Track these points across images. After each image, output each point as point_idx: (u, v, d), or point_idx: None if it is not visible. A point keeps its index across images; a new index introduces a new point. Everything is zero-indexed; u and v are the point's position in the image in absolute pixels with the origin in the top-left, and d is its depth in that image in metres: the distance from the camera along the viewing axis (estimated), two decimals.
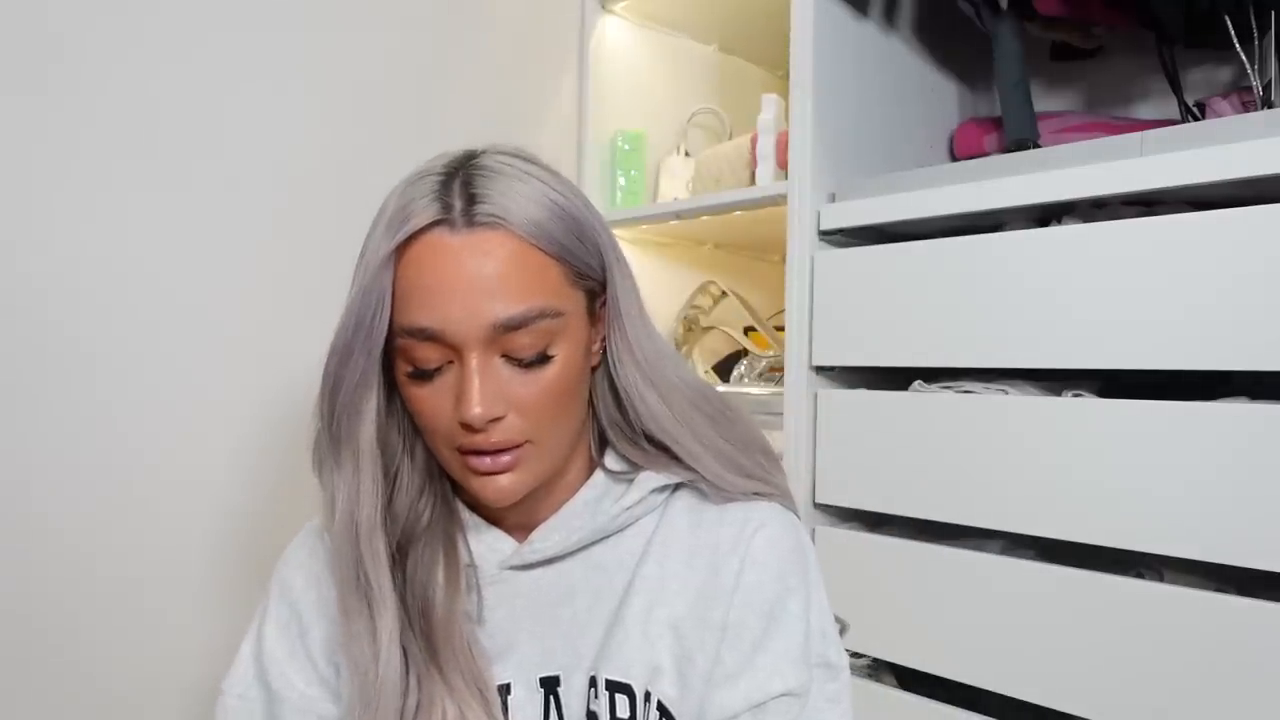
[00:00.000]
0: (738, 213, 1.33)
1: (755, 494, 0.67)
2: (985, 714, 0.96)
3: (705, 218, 1.39)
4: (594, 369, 0.67)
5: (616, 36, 1.52)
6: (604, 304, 0.65)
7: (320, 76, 1.16)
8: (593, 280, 0.63)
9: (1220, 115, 1.06)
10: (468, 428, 0.57)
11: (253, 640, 0.68)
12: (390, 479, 0.64)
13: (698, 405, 0.66)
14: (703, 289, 1.52)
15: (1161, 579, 0.89)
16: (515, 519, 0.67)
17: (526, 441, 0.59)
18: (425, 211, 0.57)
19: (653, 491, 0.66)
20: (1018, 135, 1.10)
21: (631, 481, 0.67)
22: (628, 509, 0.66)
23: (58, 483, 0.96)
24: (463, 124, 1.30)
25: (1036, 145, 1.08)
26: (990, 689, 0.96)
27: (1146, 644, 0.85)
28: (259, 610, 0.69)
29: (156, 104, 1.02)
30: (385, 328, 0.58)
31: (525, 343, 0.58)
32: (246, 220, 1.09)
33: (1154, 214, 0.88)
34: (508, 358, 0.58)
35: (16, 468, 0.94)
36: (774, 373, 1.43)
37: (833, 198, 1.16)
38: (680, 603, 0.63)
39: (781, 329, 1.18)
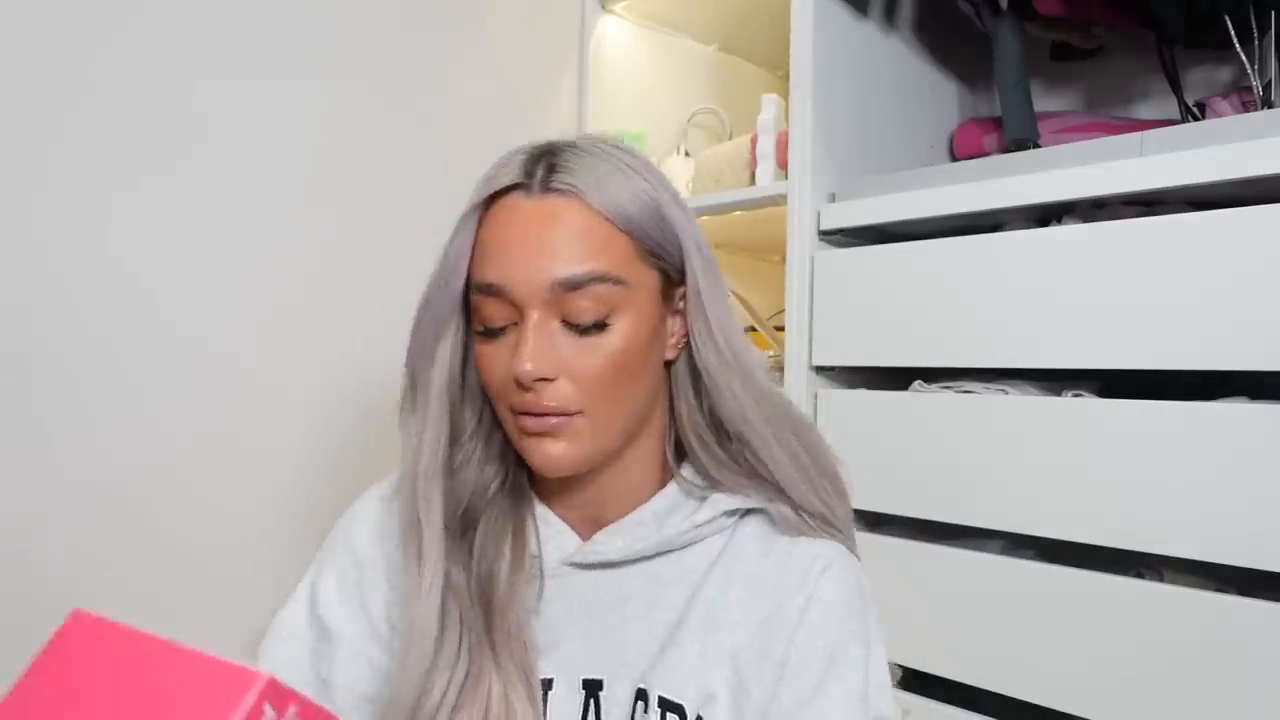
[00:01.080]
0: (738, 213, 1.33)
1: (823, 526, 0.66)
2: (985, 714, 0.96)
3: (705, 218, 1.39)
4: (671, 363, 0.66)
5: (616, 36, 1.52)
6: (684, 296, 0.65)
7: (320, 77, 1.16)
8: (667, 263, 0.63)
9: (1220, 115, 1.06)
10: (519, 385, 0.58)
11: (309, 579, 0.69)
12: (464, 434, 0.65)
13: (783, 411, 0.66)
14: None
15: (1161, 579, 0.89)
16: (582, 516, 0.67)
17: (578, 412, 0.59)
18: (508, 176, 0.60)
19: (724, 513, 0.65)
20: (1018, 135, 1.10)
21: (704, 499, 0.66)
22: (697, 526, 0.65)
23: (60, 481, 0.96)
24: (463, 124, 1.30)
25: (1036, 145, 1.08)
26: (990, 689, 0.96)
27: (1146, 644, 0.85)
28: (315, 563, 0.70)
29: (152, 101, 1.02)
30: (462, 279, 0.61)
31: (584, 306, 0.58)
32: (246, 220, 1.09)
33: (1154, 214, 0.88)
34: (567, 323, 0.59)
35: (17, 468, 0.94)
36: (774, 373, 1.43)
37: (833, 198, 1.16)
38: (741, 632, 0.62)
39: (781, 329, 1.18)
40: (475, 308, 0.61)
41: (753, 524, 0.67)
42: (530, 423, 0.59)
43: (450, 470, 0.64)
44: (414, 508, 0.62)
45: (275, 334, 1.12)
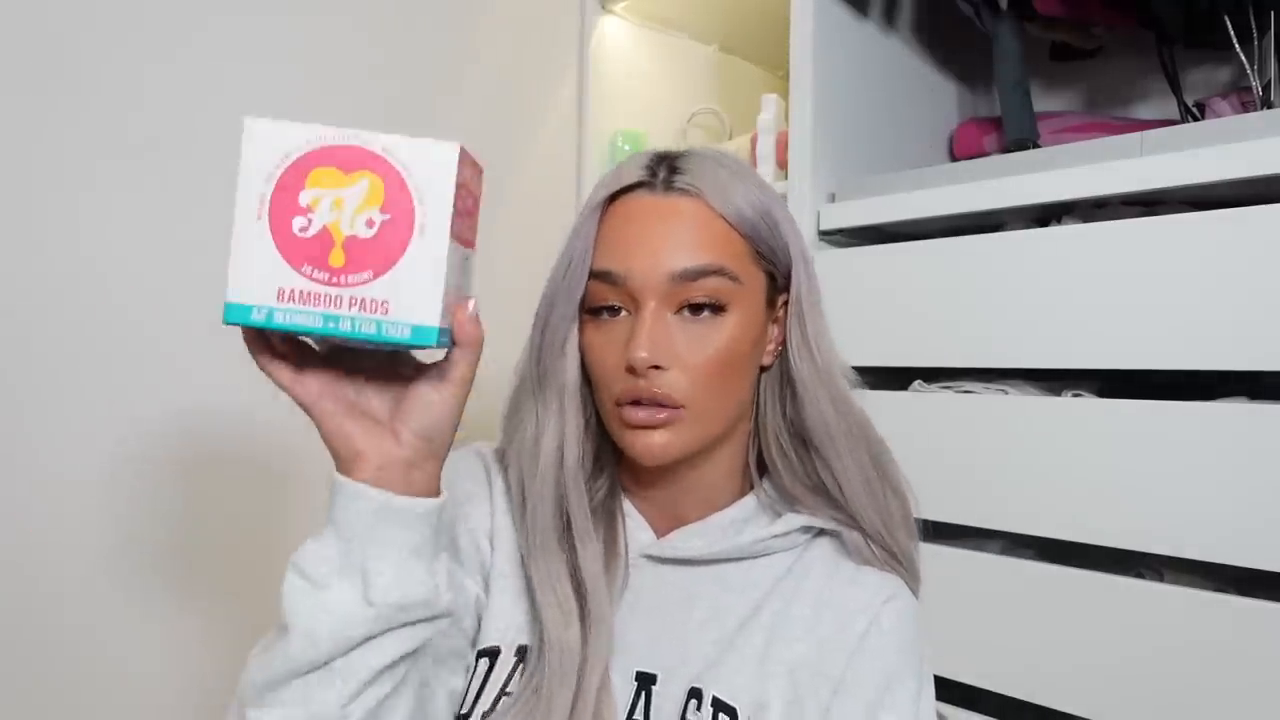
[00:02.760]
0: None
1: (888, 560, 0.68)
2: (985, 714, 0.96)
3: None
4: (765, 369, 0.68)
5: (616, 36, 1.52)
6: (785, 303, 0.67)
7: (320, 76, 1.16)
8: (775, 268, 0.65)
9: (1220, 115, 1.06)
10: (631, 371, 0.60)
11: None
12: (591, 434, 0.67)
13: (863, 428, 0.67)
14: None
15: (1161, 579, 0.89)
16: (662, 512, 0.69)
17: (683, 406, 0.61)
18: (633, 174, 0.63)
19: (798, 530, 0.67)
20: (1018, 135, 1.10)
21: (780, 515, 0.67)
22: (774, 538, 0.66)
23: (62, 481, 0.96)
24: (463, 124, 1.30)
25: (1036, 145, 1.08)
26: (990, 689, 0.96)
27: (1146, 644, 0.85)
28: None
29: (149, 102, 1.02)
30: (587, 272, 0.62)
31: (700, 296, 0.61)
32: None
33: (1154, 214, 0.88)
34: (680, 314, 0.61)
35: (19, 468, 0.94)
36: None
37: (833, 198, 1.16)
38: (801, 647, 0.63)
39: None
40: (590, 295, 0.63)
41: (823, 545, 0.68)
42: (639, 414, 0.61)
43: (589, 468, 0.66)
44: (558, 502, 0.63)
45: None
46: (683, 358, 0.61)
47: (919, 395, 1.05)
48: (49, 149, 0.95)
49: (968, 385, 1.02)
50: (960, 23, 1.19)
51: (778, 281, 0.66)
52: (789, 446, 0.67)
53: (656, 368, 0.60)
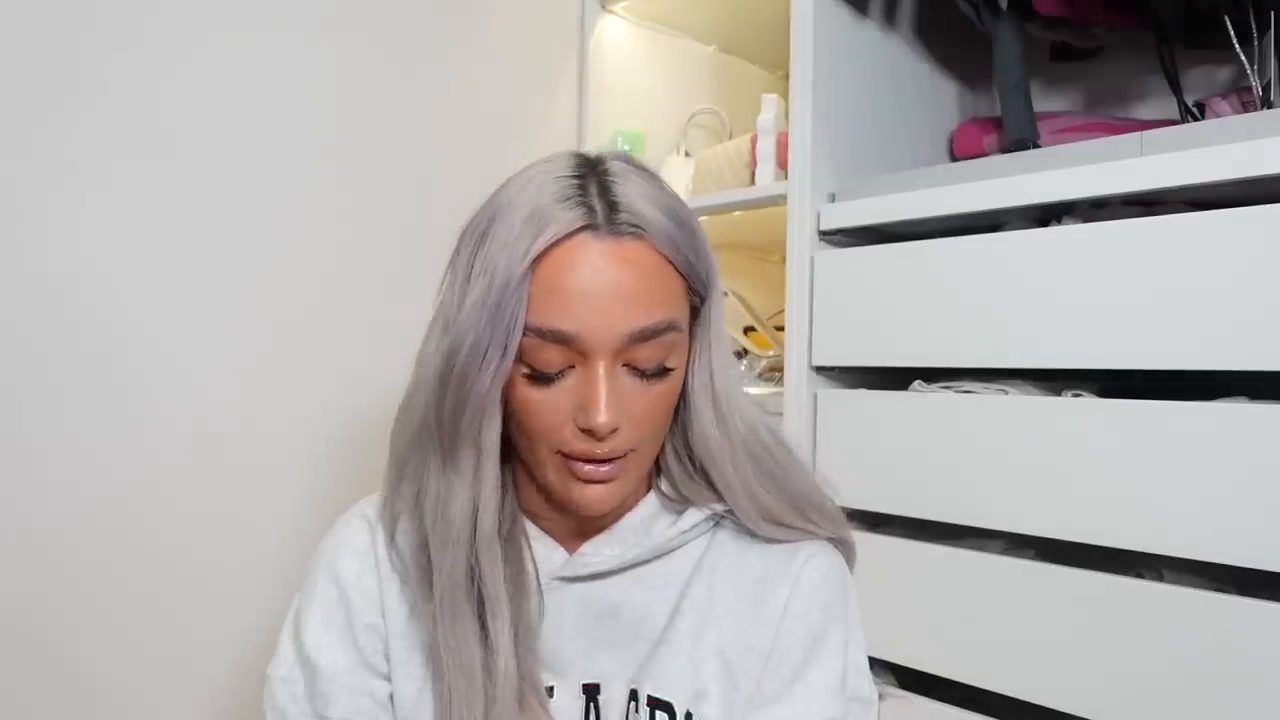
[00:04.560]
0: (738, 213, 1.33)
1: (794, 534, 0.67)
2: (985, 714, 0.96)
3: (705, 218, 1.39)
4: None
5: (616, 36, 1.52)
6: (697, 321, 0.65)
7: (320, 77, 1.16)
8: (698, 297, 0.63)
9: (1220, 115, 1.06)
10: (590, 434, 0.57)
11: (291, 622, 0.68)
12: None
13: (749, 443, 0.66)
14: None
15: (1161, 579, 0.89)
16: (568, 529, 0.67)
17: (630, 451, 0.60)
18: (570, 215, 0.56)
19: (705, 519, 0.67)
20: (1018, 135, 1.10)
21: (682, 511, 0.67)
22: (683, 532, 0.66)
23: (56, 490, 0.96)
24: (463, 124, 1.29)
25: (1036, 145, 1.08)
26: (990, 689, 0.96)
27: (1146, 644, 0.85)
28: (299, 594, 0.68)
29: (161, 106, 1.02)
30: (522, 327, 0.56)
31: (650, 354, 0.58)
32: (247, 220, 1.09)
33: (1154, 214, 0.88)
34: (629, 368, 0.58)
35: (13, 476, 0.94)
36: (774, 373, 1.43)
37: (833, 198, 1.16)
38: (727, 628, 0.64)
39: (781, 329, 1.18)
40: (527, 351, 0.57)
41: (730, 525, 0.69)
42: (588, 470, 0.59)
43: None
44: (468, 566, 0.60)
45: (277, 345, 1.12)
46: (633, 411, 0.58)
47: (919, 395, 1.05)
48: (55, 149, 0.95)
49: (968, 385, 1.02)
50: (960, 23, 1.19)
51: (698, 308, 0.64)
52: (681, 452, 0.67)
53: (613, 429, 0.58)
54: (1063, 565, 0.92)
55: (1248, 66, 1.00)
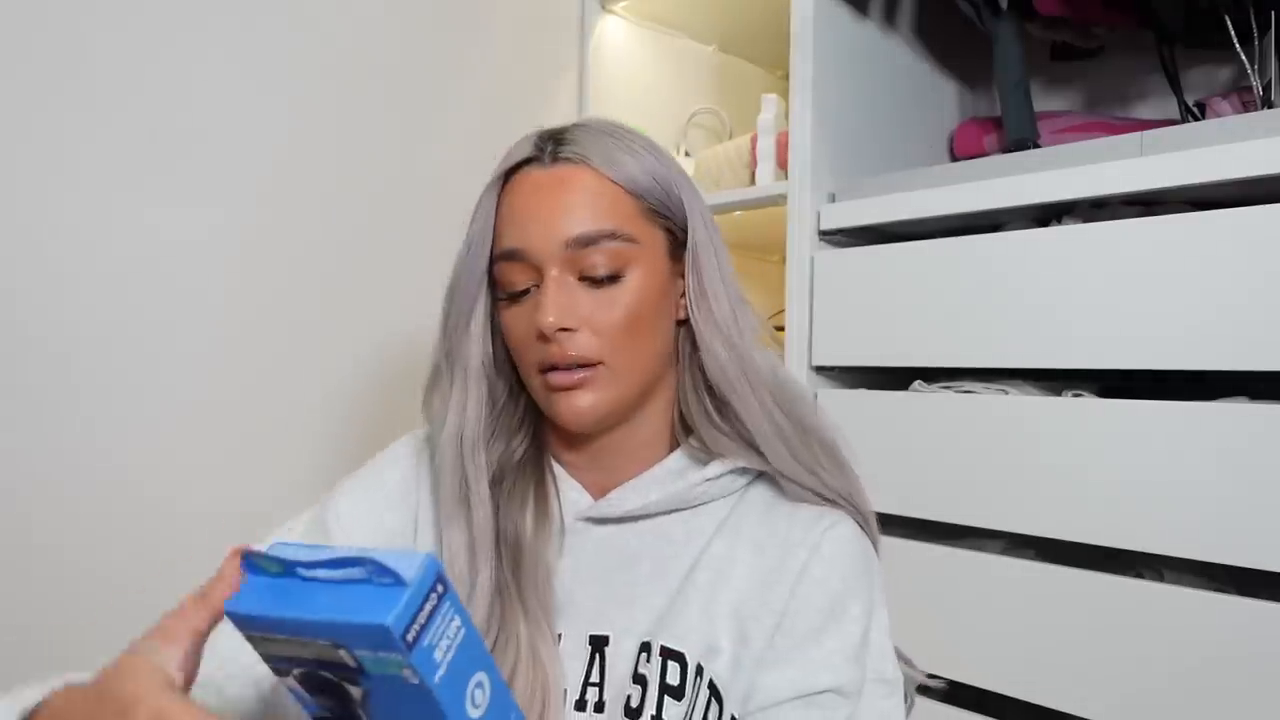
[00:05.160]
0: (738, 213, 1.33)
1: (821, 502, 0.68)
2: (985, 714, 0.96)
3: None
4: (682, 323, 0.69)
5: (616, 36, 1.52)
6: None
7: (319, 77, 1.16)
8: (673, 223, 0.66)
9: (1220, 115, 1.06)
10: (543, 338, 0.62)
11: (319, 505, 0.71)
12: (496, 406, 0.69)
13: (763, 374, 0.67)
14: None
15: (1161, 579, 0.89)
16: (596, 473, 0.69)
17: (599, 362, 0.63)
18: (522, 151, 0.65)
19: (733, 471, 0.67)
20: (1018, 135, 1.10)
21: (709, 463, 0.68)
22: (708, 480, 0.67)
23: (72, 484, 0.97)
24: (463, 123, 1.30)
25: (1036, 145, 1.08)
26: (990, 689, 0.96)
27: (1146, 644, 0.85)
28: (331, 492, 0.71)
29: (157, 102, 1.02)
30: (487, 254, 0.65)
31: (598, 261, 0.62)
32: (251, 218, 1.09)
33: (1154, 214, 0.88)
34: (584, 279, 0.63)
35: (16, 468, 0.94)
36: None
37: (833, 198, 1.16)
38: (744, 586, 0.64)
39: (781, 329, 1.18)
40: (498, 277, 0.65)
41: (759, 490, 0.69)
42: (559, 377, 0.62)
43: (488, 439, 0.67)
44: (458, 472, 0.65)
45: (281, 334, 1.12)
46: (590, 318, 0.62)
47: (919, 395, 1.05)
48: (55, 149, 0.96)
49: (968, 385, 1.02)
50: (960, 23, 1.19)
51: (679, 236, 0.67)
52: (708, 402, 0.68)
53: (565, 329, 0.61)
54: (1063, 565, 0.92)
55: (1248, 66, 1.00)
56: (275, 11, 1.12)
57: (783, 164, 1.23)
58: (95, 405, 0.99)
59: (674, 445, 0.70)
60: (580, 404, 0.63)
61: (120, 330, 1.00)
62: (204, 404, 1.06)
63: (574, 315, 0.62)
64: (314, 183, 1.15)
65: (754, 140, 1.32)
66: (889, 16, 1.26)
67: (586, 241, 0.62)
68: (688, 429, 0.70)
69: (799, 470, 0.67)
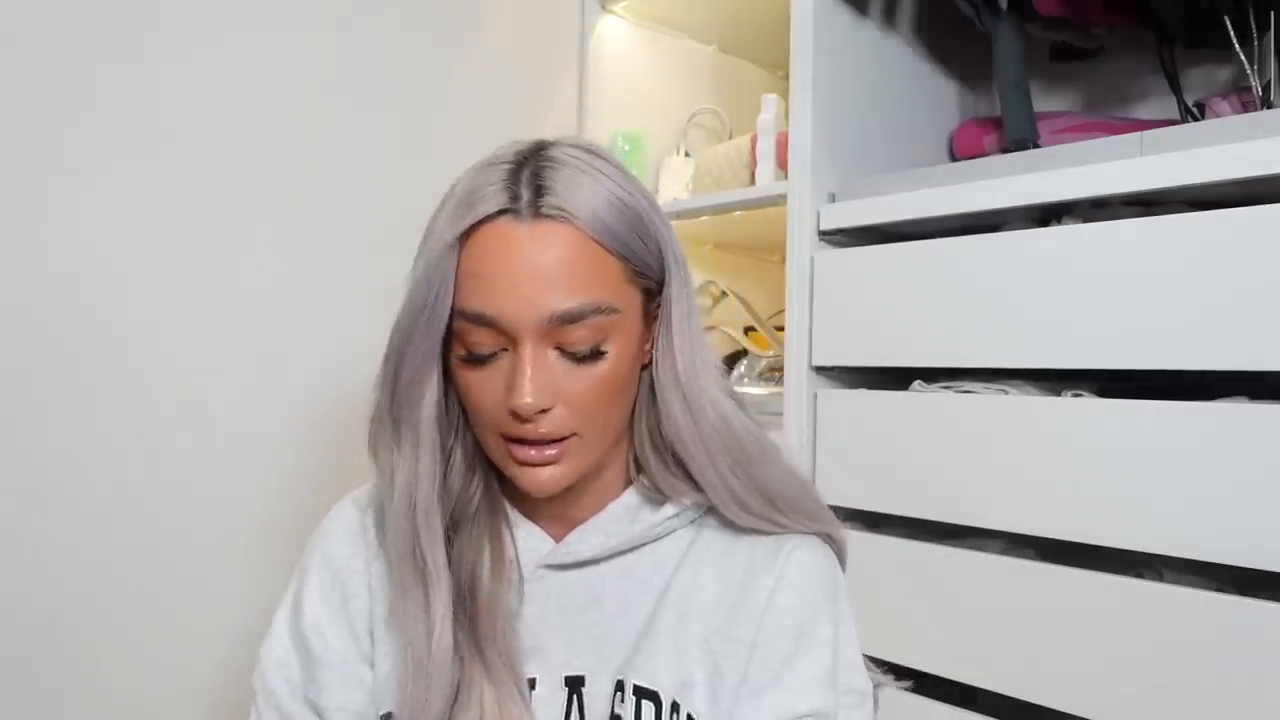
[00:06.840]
0: (738, 213, 1.33)
1: (778, 530, 0.67)
2: (984, 714, 0.96)
3: (705, 218, 1.39)
4: (645, 367, 0.66)
5: (616, 36, 1.52)
6: (659, 305, 0.64)
7: (321, 77, 1.16)
8: (650, 279, 0.63)
9: (1220, 115, 1.06)
10: (516, 416, 0.58)
11: (289, 604, 0.68)
12: (445, 459, 0.64)
13: (721, 434, 0.64)
14: (703, 289, 1.52)
15: (1161, 579, 0.89)
16: (553, 515, 0.67)
17: (573, 434, 0.59)
18: (493, 199, 0.57)
19: (691, 506, 0.66)
20: (1018, 135, 1.10)
21: (661, 505, 0.67)
22: (668, 518, 0.66)
23: (71, 483, 0.97)
24: (463, 124, 1.30)
25: (1036, 145, 1.08)
26: (990, 688, 0.96)
27: (1146, 644, 0.85)
28: (295, 578, 0.69)
29: (161, 104, 1.02)
30: (448, 310, 0.58)
31: (580, 336, 0.58)
32: (250, 220, 1.09)
33: (1154, 214, 0.88)
34: (561, 350, 0.58)
35: (23, 467, 0.94)
36: (774, 373, 1.43)
37: (833, 198, 1.16)
38: (712, 618, 0.64)
39: (781, 329, 1.18)
40: (459, 333, 0.59)
41: (716, 518, 0.68)
42: (527, 453, 0.59)
43: (441, 495, 0.63)
44: (411, 540, 0.61)
45: (278, 345, 1.12)
46: (568, 393, 0.58)
47: (919, 395, 1.05)
48: (54, 148, 0.96)
49: (968, 385, 1.02)
50: (960, 23, 1.19)
51: (653, 290, 0.63)
52: (660, 448, 0.66)
53: (542, 411, 0.58)
54: (1062, 565, 0.92)
55: (1248, 66, 1.00)
56: (275, 13, 1.12)
57: (783, 164, 1.23)
58: (95, 405, 0.99)
59: (627, 481, 0.69)
60: (545, 476, 0.60)
61: (121, 330, 1.00)
62: (204, 404, 1.06)
63: (551, 393, 0.58)
64: (314, 183, 1.15)
65: (754, 140, 1.32)
66: (889, 16, 1.26)
67: (571, 319, 0.57)
68: (639, 465, 0.69)
69: (752, 520, 0.66)
